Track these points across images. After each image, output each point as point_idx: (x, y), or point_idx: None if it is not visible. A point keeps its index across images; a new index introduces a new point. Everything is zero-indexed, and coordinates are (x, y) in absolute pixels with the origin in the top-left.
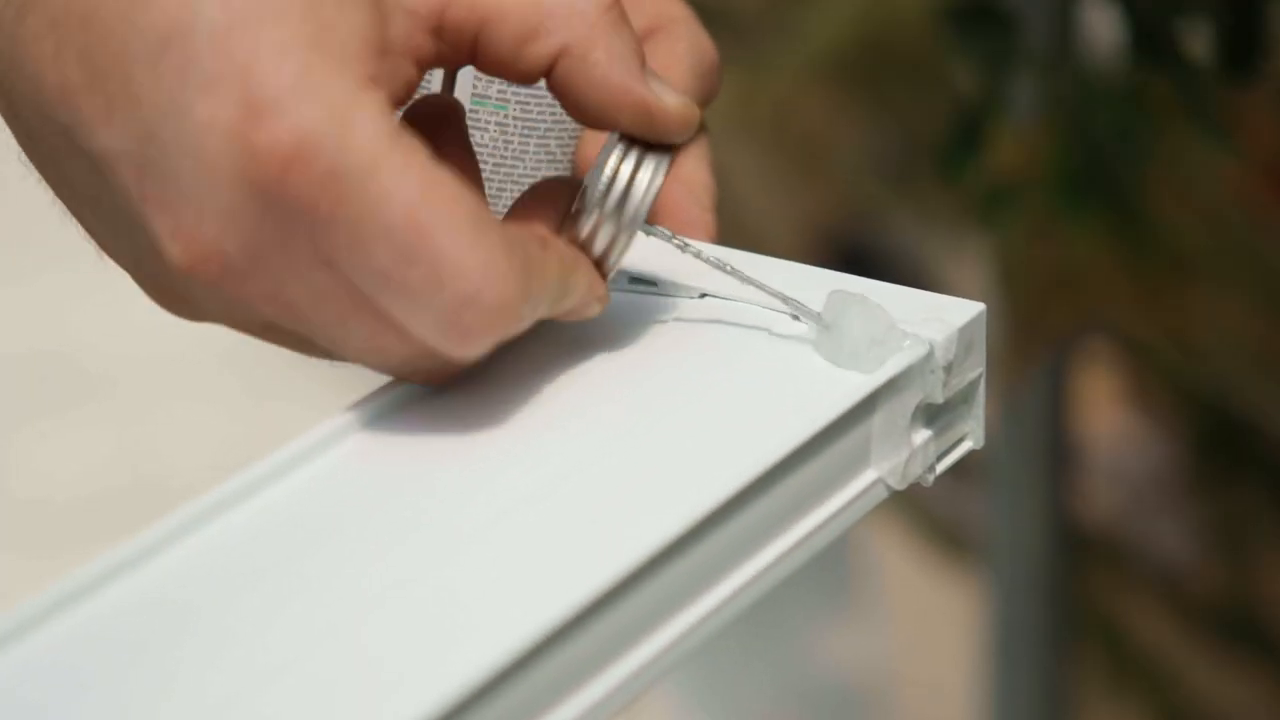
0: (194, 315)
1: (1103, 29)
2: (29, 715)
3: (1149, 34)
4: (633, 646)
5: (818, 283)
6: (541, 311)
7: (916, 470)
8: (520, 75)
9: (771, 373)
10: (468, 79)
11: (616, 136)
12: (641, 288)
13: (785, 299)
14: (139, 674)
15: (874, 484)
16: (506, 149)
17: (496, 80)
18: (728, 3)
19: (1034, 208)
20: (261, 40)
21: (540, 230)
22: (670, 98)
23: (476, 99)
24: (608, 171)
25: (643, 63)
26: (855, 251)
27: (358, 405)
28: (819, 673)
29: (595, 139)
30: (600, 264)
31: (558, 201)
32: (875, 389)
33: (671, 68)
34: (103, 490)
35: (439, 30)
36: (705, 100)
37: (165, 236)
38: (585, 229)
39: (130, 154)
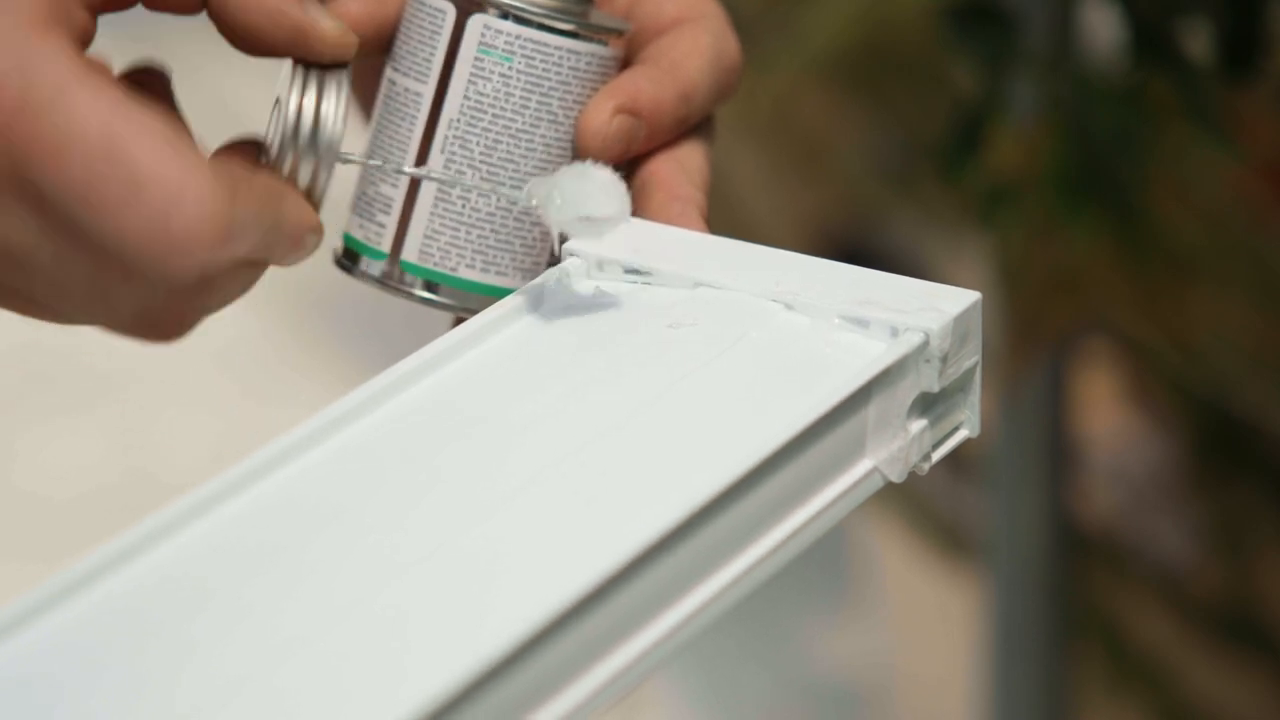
0: None
1: (1103, 29)
2: (47, 693)
3: (1149, 34)
4: (634, 634)
5: (816, 274)
6: (254, 236)
7: (913, 459)
8: (182, 6)
9: (766, 362)
10: (476, 28)
11: (291, 71)
12: (636, 278)
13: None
14: (155, 652)
15: (870, 473)
16: (507, 101)
17: (504, 31)
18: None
19: (1034, 208)
20: None
21: (243, 164)
22: (325, 20)
23: (483, 48)
24: (292, 105)
25: None
26: (855, 251)
27: (365, 387)
28: (818, 671)
29: (598, 109)
30: (309, 197)
31: (254, 150)
32: (871, 378)
33: (693, 56)
34: (99, 491)
35: None
36: (722, 96)
37: None
38: (287, 165)
39: None
